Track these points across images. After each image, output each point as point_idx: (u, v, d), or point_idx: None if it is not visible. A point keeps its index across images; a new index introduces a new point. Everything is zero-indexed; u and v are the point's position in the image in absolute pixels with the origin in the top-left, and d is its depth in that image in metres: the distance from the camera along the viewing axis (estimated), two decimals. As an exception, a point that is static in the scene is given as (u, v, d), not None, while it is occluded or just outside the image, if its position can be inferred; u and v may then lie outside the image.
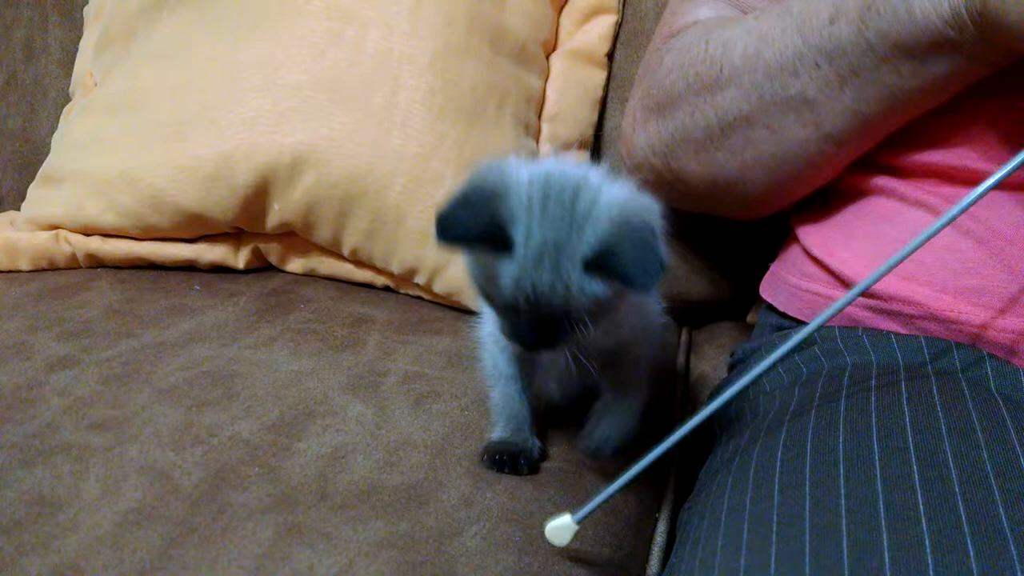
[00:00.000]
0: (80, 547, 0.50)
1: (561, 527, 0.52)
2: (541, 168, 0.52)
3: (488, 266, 0.51)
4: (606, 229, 0.49)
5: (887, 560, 0.38)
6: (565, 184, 0.51)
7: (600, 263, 0.49)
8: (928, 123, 0.60)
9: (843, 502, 0.42)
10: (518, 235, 0.49)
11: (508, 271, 0.50)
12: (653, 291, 0.61)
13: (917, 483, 0.42)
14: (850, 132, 0.63)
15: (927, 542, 0.38)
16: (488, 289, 0.52)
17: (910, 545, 0.38)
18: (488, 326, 0.63)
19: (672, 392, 0.86)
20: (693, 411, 0.83)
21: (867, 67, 0.58)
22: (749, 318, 1.02)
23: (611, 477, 0.54)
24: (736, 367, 0.75)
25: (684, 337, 0.98)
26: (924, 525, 0.39)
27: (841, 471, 0.44)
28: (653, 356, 0.66)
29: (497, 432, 0.63)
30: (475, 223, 0.49)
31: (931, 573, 0.37)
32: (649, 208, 0.52)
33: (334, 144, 0.86)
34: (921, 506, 0.40)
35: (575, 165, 0.54)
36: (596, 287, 0.50)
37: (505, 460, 0.61)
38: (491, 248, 0.50)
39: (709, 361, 0.94)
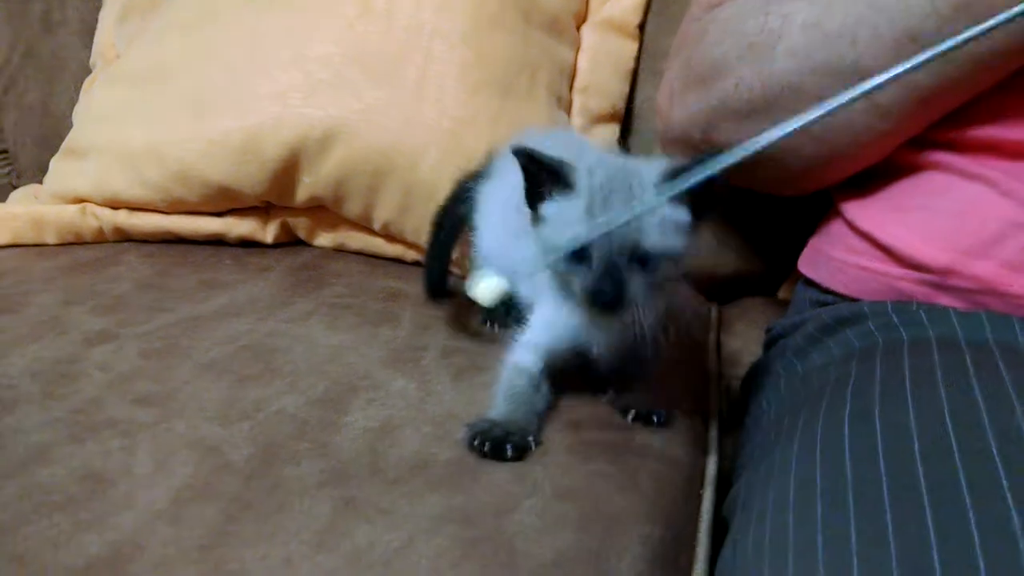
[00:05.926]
0: (137, 523, 0.50)
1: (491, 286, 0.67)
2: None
3: (558, 214, 0.58)
4: (665, 161, 0.58)
5: (976, 537, 0.37)
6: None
7: (674, 176, 0.56)
8: (986, 97, 0.59)
9: (923, 481, 0.41)
10: (581, 178, 0.58)
11: (577, 207, 0.57)
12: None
13: (996, 458, 0.42)
14: (903, 106, 0.61)
15: (1015, 519, 0.38)
16: (559, 238, 0.57)
17: (998, 521, 0.38)
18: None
19: (705, 369, 0.86)
20: (727, 390, 0.84)
21: (928, 30, 0.57)
22: (780, 294, 1.01)
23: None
24: (775, 343, 0.74)
25: (714, 314, 0.97)
26: (1010, 501, 0.39)
27: (916, 447, 0.44)
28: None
29: (495, 411, 0.62)
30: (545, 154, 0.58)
31: (1022, 548, 0.36)
32: None
33: (365, 118, 0.85)
34: (1004, 480, 0.40)
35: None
36: (670, 211, 0.56)
37: (486, 445, 0.58)
38: (556, 183, 0.58)
39: (740, 336, 0.93)
